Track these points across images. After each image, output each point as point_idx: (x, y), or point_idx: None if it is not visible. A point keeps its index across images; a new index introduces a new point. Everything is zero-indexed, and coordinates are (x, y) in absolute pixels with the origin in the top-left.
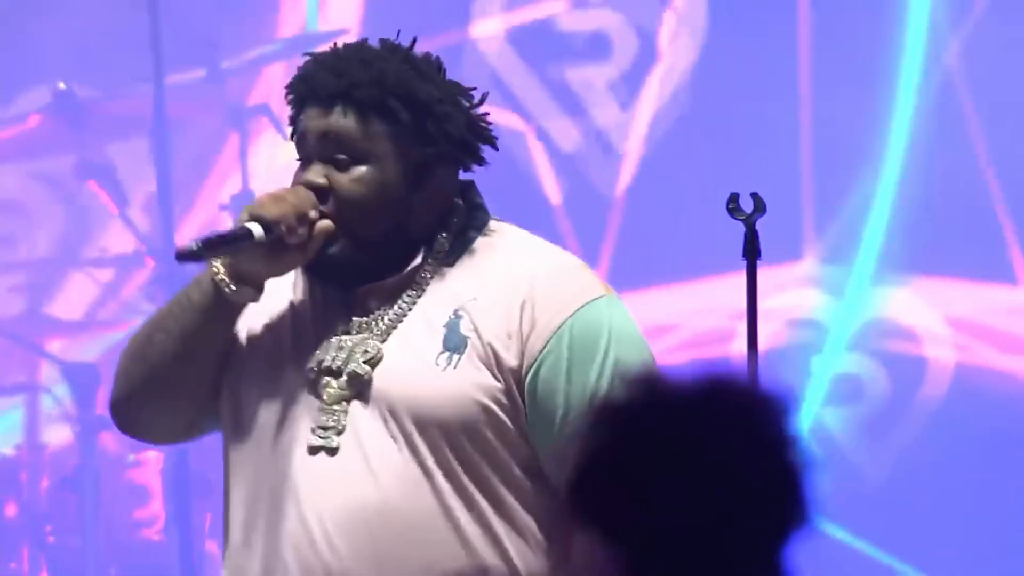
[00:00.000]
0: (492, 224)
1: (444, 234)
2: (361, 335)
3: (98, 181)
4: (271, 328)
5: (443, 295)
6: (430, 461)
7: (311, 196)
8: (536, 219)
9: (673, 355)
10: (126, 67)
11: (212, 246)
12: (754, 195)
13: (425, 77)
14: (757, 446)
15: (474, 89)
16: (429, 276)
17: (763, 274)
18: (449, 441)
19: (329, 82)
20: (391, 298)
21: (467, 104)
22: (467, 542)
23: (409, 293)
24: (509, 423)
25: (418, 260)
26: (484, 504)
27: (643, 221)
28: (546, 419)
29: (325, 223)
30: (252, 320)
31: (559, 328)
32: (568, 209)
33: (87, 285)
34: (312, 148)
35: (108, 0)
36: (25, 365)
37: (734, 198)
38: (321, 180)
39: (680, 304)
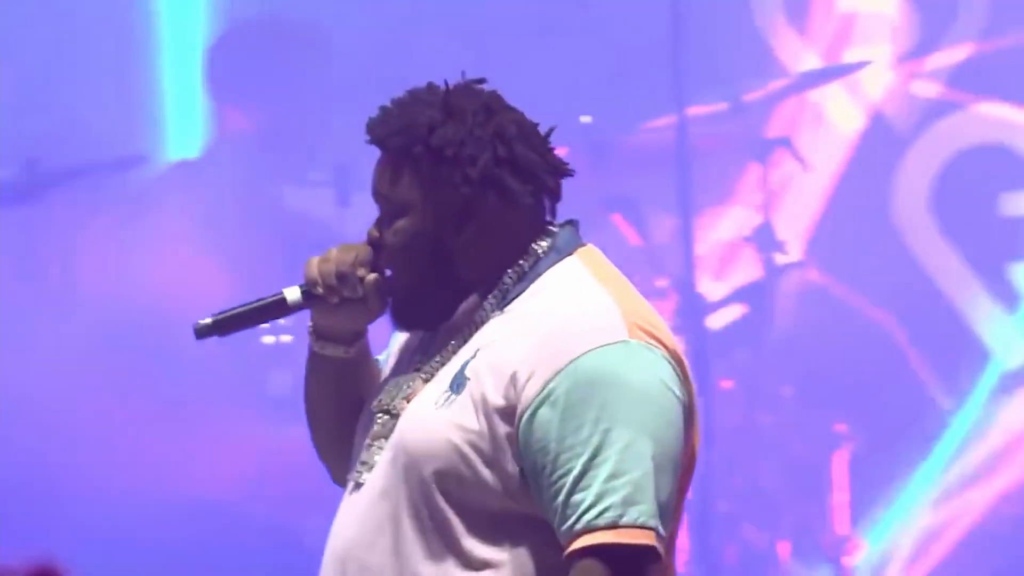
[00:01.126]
0: (562, 263)
1: (508, 278)
2: (414, 375)
3: (622, 214)
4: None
5: (480, 338)
6: (402, 502)
7: (362, 252)
8: None
9: None
10: (648, 100)
11: (230, 322)
12: None
13: (457, 119)
14: None
15: (537, 125)
16: (481, 320)
17: None
18: (419, 481)
19: (374, 131)
20: (447, 341)
21: (515, 140)
22: None
23: (458, 336)
24: (483, 468)
25: (468, 302)
26: (444, 551)
27: None
28: (538, 466)
29: (371, 277)
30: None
31: (558, 373)
32: None
33: None
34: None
35: (630, 35)
36: None
37: None
38: (376, 235)
39: None
